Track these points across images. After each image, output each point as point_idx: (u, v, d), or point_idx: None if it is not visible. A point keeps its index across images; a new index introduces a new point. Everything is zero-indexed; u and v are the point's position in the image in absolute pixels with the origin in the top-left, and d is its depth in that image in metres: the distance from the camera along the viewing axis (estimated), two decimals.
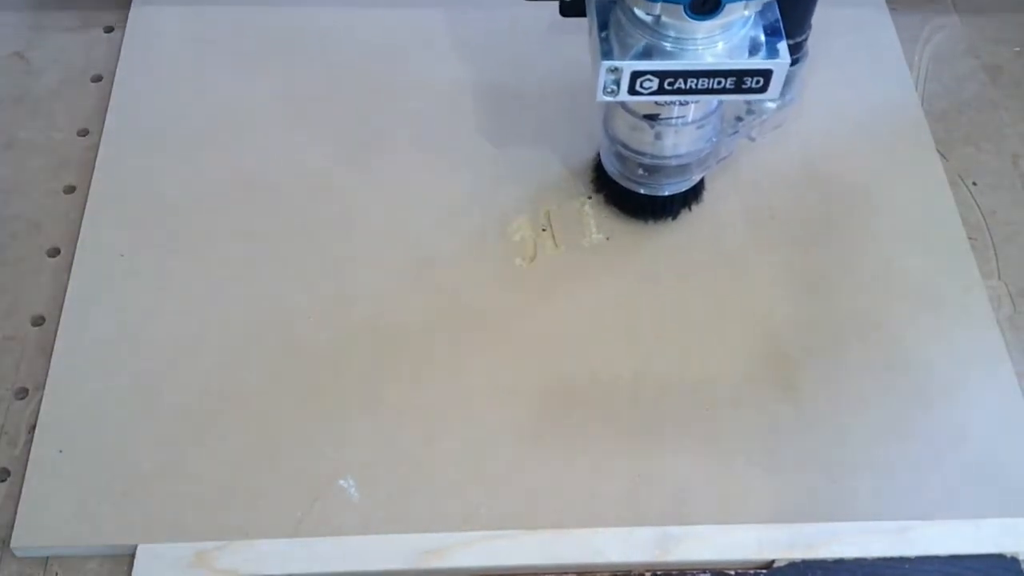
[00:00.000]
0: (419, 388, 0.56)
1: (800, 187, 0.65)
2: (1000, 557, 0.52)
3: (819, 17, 0.58)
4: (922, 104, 0.69)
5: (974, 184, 0.67)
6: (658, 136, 0.57)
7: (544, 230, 0.63)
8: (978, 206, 0.66)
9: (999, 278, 0.63)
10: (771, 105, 0.60)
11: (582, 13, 0.55)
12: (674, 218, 0.63)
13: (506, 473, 0.54)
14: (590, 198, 0.64)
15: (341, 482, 0.53)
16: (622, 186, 0.61)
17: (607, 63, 0.51)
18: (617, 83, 0.51)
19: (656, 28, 0.51)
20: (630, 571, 0.51)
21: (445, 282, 0.60)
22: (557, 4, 0.56)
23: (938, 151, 0.67)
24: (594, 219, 0.63)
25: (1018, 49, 0.75)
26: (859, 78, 0.70)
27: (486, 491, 0.53)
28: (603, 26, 0.52)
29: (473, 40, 0.71)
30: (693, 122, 0.57)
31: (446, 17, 0.72)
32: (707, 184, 0.63)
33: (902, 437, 0.55)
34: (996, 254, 0.64)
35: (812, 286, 0.61)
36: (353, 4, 0.73)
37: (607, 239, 0.62)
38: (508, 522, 0.52)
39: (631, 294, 0.60)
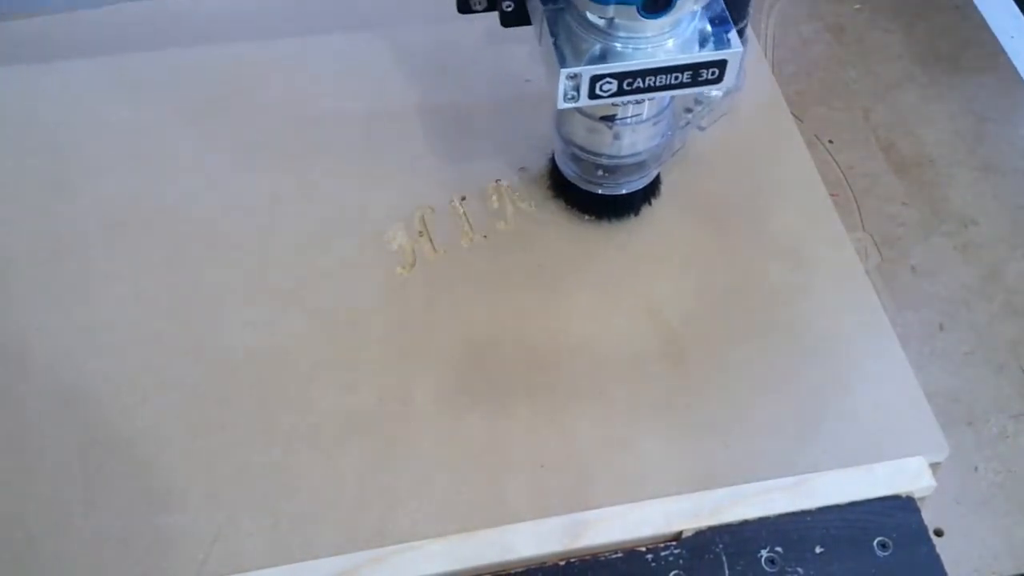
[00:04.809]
0: (312, 411, 0.55)
1: (665, 166, 0.66)
2: (896, 498, 0.53)
3: None
4: (772, 70, 0.71)
5: (830, 142, 0.69)
6: (616, 136, 0.57)
7: (421, 234, 0.63)
8: (836, 162, 0.68)
9: (863, 229, 0.65)
10: (717, 94, 0.61)
11: (524, 22, 0.55)
12: (636, 214, 0.63)
13: (410, 484, 0.53)
14: (464, 198, 0.64)
15: (241, 517, 0.52)
16: (581, 188, 0.61)
17: (567, 70, 0.50)
18: (577, 89, 0.51)
19: (608, 31, 0.51)
20: (544, 563, 0.51)
21: (325, 303, 0.60)
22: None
23: (792, 114, 0.69)
24: (469, 219, 0.63)
25: (858, 7, 0.77)
26: None
27: (392, 505, 0.52)
28: (553, 33, 0.52)
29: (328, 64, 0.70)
30: (649, 119, 0.57)
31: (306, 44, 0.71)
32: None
33: (789, 393, 0.57)
34: (858, 207, 0.66)
35: (688, 259, 0.62)
36: (218, 40, 0.71)
37: (484, 237, 0.62)
38: (418, 533, 0.51)
39: (513, 289, 0.60)
